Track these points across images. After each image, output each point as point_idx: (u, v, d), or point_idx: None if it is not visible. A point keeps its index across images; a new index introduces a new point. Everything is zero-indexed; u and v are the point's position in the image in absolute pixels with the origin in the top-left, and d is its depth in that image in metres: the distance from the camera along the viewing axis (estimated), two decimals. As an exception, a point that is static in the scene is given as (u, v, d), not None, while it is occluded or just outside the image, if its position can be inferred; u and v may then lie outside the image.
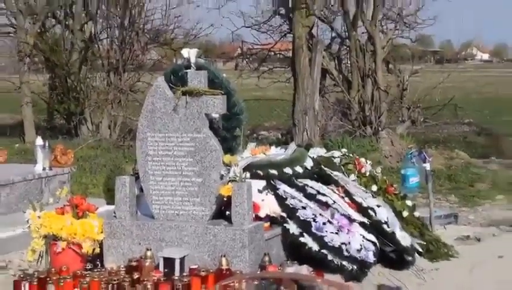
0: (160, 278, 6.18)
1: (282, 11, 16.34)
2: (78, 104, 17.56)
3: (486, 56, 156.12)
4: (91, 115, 17.64)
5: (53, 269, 6.55)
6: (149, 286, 6.09)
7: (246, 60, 19.11)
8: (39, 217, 6.91)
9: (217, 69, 7.42)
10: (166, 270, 6.34)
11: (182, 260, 6.40)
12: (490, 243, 8.40)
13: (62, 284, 6.26)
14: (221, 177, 6.63)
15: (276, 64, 19.12)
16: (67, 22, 18.74)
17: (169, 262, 6.38)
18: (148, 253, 6.45)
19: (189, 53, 6.96)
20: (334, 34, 17.10)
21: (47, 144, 9.61)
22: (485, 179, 12.42)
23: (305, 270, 6.33)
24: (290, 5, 15.31)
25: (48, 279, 6.32)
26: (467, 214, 10.43)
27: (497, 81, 56.09)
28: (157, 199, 6.81)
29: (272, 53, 18.32)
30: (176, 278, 6.19)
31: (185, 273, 6.28)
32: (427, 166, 8.75)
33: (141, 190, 6.98)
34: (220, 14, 19.46)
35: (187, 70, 6.81)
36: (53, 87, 18.49)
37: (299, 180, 7.26)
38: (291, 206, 6.88)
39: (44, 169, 9.41)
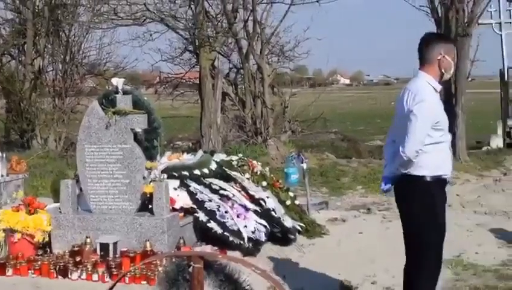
0: (98, 260, 6.17)
1: (191, 48, 16.27)
2: (30, 123, 17.15)
3: (347, 81, 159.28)
4: (40, 131, 17.22)
5: (11, 256, 6.45)
6: (89, 266, 6.05)
7: (163, 86, 19.01)
8: (-1, 214, 6.77)
9: (140, 94, 7.40)
10: (102, 253, 6.33)
11: (115, 244, 6.37)
12: (353, 223, 8.52)
13: (19, 267, 6.21)
14: (144, 178, 6.62)
15: (186, 89, 19.09)
16: (20, 58, 18.31)
17: (104, 247, 6.35)
18: (88, 240, 6.42)
19: (118, 82, 6.89)
20: (231, 65, 17.14)
21: (4, 156, 9.43)
22: (348, 174, 12.62)
23: (208, 249, 6.35)
24: (197, 44, 15.29)
25: (7, 264, 6.25)
26: (335, 201, 10.58)
27: (355, 100, 57.40)
28: (94, 197, 6.74)
29: (183, 80, 18.24)
30: (110, 259, 6.20)
31: (117, 255, 6.28)
32: (304, 166, 8.83)
33: (81, 190, 6.90)
34: (142, 51, 19.62)
35: (116, 95, 6.75)
36: (9, 110, 17.99)
37: (206, 179, 7.25)
38: (200, 199, 6.89)
39: (2, 176, 9.18)
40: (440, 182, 4.77)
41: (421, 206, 4.73)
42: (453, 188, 10.79)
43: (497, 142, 16.95)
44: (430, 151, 4.66)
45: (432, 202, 4.71)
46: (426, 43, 4.86)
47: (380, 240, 7.56)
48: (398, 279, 5.21)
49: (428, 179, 4.69)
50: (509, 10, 19.34)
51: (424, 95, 4.64)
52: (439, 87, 4.77)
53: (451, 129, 12.21)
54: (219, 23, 16.05)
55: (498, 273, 6.47)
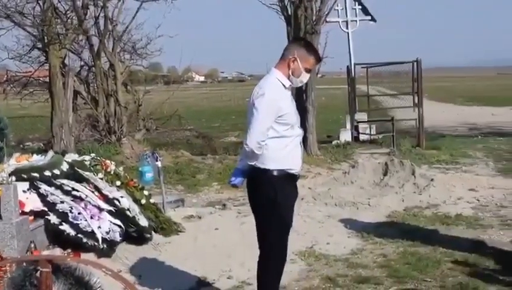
0: None
1: (40, 46, 15.69)
2: None
3: (202, 78, 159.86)
4: None
5: None
6: None
7: (11, 85, 18.22)
8: None
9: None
10: None
11: (-40, 252, 6.02)
12: (208, 219, 8.58)
13: None
14: (-9, 181, 6.31)
15: (36, 88, 18.37)
16: None
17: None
18: None
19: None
20: (82, 63, 16.70)
21: None
22: (203, 171, 12.67)
23: (58, 252, 6.18)
24: (46, 41, 14.77)
25: None
26: (191, 199, 10.60)
27: (210, 97, 57.76)
28: None
29: (33, 79, 17.57)
30: (-44, 266, 5.85)
31: (-36, 262, 5.94)
32: (159, 164, 8.79)
33: None
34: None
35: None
36: None
37: (57, 180, 7.03)
38: (51, 201, 6.66)
39: None
40: (288, 177, 4.91)
41: (266, 199, 4.87)
42: (305, 181, 11.17)
43: (346, 136, 17.65)
44: (275, 145, 4.79)
45: (275, 196, 4.83)
46: (288, 43, 5.03)
47: (235, 235, 7.68)
48: (253, 272, 5.33)
49: (274, 173, 4.82)
50: (355, 9, 20.20)
51: (266, 89, 4.76)
52: (288, 83, 4.90)
53: (302, 124, 12.58)
54: (69, 20, 15.58)
55: (348, 262, 6.77)
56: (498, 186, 10.57)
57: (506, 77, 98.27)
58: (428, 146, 15.87)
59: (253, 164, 4.85)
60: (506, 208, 9.10)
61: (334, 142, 17.00)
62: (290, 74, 4.88)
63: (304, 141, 13.57)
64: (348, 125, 18.43)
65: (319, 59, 5.16)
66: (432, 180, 10.31)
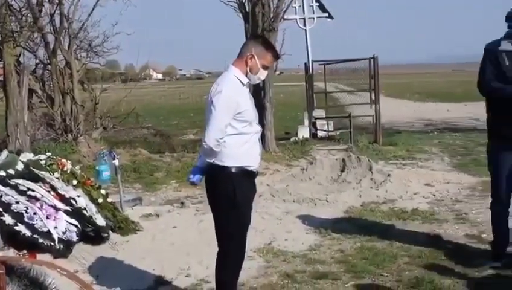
0: None
1: (-7, 44, 15.45)
2: None
3: (160, 75, 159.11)
4: None
5: None
6: None
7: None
8: None
9: None
10: None
11: None
12: (167, 217, 8.57)
13: None
14: None
15: (-10, 87, 18.08)
16: None
17: None
18: None
19: None
20: (38, 61, 16.46)
21: None
22: (161, 169, 12.63)
23: (11, 253, 6.08)
24: (0, 39, 14.53)
25: None
26: (149, 197, 10.54)
27: (168, 94, 57.46)
28: None
29: (-15, 78, 17.29)
30: None
31: None
32: (116, 162, 8.72)
33: None
34: None
35: None
36: None
37: (12, 180, 6.90)
38: (6, 202, 6.50)
39: None
40: (246, 174, 4.93)
41: (224, 197, 4.89)
42: (264, 178, 11.21)
43: (304, 132, 17.74)
44: (234, 142, 4.81)
45: (234, 193, 4.85)
46: (246, 40, 5.05)
47: (193, 233, 7.68)
48: (211, 270, 5.33)
49: (233, 169, 4.83)
50: (312, 6, 20.30)
51: (224, 86, 4.78)
52: (246, 80, 4.92)
53: (260, 121, 12.53)
54: (23, 17, 15.35)
55: (306, 258, 6.82)
56: (453, 181, 10.75)
57: (461, 73, 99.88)
58: (385, 142, 16.04)
59: (211, 161, 4.86)
60: (461, 203, 9.26)
61: (292, 139, 17.07)
62: (248, 71, 4.90)
63: (262, 138, 13.53)
64: (306, 122, 18.53)
65: (276, 56, 5.18)
66: (388, 175, 10.44)
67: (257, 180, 5.16)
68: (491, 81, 6.05)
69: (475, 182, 10.61)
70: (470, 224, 8.04)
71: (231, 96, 4.77)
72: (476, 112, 20.30)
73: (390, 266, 6.44)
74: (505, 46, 6.05)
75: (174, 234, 7.74)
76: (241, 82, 4.89)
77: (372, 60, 16.95)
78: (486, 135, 6.44)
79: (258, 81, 5.13)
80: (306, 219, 8.44)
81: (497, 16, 6.26)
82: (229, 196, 4.85)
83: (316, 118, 18.29)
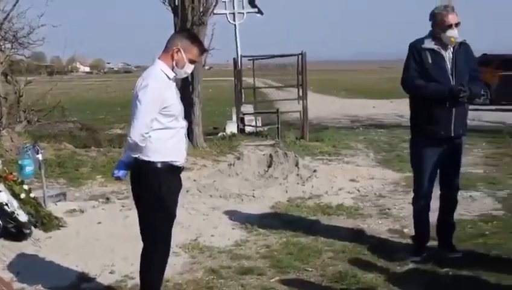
0: None
1: None
2: None
3: (87, 68, 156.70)
4: None
5: None
6: None
7: None
8: None
9: None
10: None
11: None
12: (91, 213, 8.44)
13: None
14: None
15: None
16: None
17: None
18: None
19: None
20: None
21: None
22: (87, 164, 12.40)
23: None
24: None
25: None
26: (74, 192, 10.34)
27: (96, 88, 56.65)
28: None
29: None
30: None
31: None
32: (40, 157, 8.53)
33: None
34: None
35: None
36: None
37: None
38: None
39: None
40: (172, 169, 4.90)
41: (149, 192, 4.85)
42: (191, 173, 11.16)
43: (232, 128, 17.76)
44: (160, 137, 4.78)
45: (159, 188, 4.82)
46: (172, 34, 5.01)
47: (119, 228, 7.58)
48: (136, 266, 5.28)
49: (158, 165, 4.80)
50: (242, 1, 20.34)
51: (150, 80, 4.74)
52: (172, 74, 4.88)
53: (188, 116, 12.47)
54: None
55: (232, 254, 6.82)
56: (377, 176, 10.95)
57: (388, 70, 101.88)
58: (312, 138, 16.21)
59: (136, 156, 4.81)
60: (385, 198, 9.44)
61: (220, 134, 17.07)
62: (174, 65, 4.87)
63: (190, 133, 13.57)
64: (234, 118, 18.55)
65: (203, 50, 5.17)
66: (314, 171, 10.55)
67: (184, 175, 5.14)
68: (414, 78, 6.19)
69: (398, 177, 10.83)
70: (393, 219, 8.20)
71: (157, 90, 4.72)
72: (400, 108, 20.74)
73: (314, 261, 6.50)
74: (429, 44, 6.20)
75: (99, 229, 7.63)
76: (168, 76, 4.86)
77: (300, 56, 17.08)
78: (410, 131, 6.60)
79: (184, 76, 5.10)
80: (232, 215, 8.45)
81: (422, 15, 6.41)
82: (154, 191, 4.82)
83: (244, 114, 18.33)
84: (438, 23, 6.16)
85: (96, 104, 34.50)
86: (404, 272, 6.20)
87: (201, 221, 8.13)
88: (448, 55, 6.18)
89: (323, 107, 26.46)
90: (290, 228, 7.69)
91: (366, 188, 10.08)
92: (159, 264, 5.08)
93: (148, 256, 5.02)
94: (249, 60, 19.64)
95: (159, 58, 4.92)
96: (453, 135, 6.21)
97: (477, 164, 12.17)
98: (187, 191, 9.33)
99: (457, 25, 6.12)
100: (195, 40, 5.04)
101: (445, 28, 6.11)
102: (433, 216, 6.67)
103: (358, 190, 9.95)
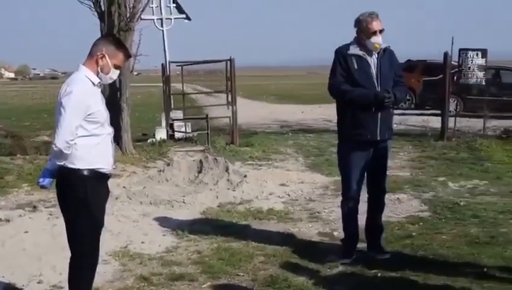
0: None
1: None
2: None
3: (12, 74, 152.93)
4: None
5: None
6: None
7: None
8: None
9: None
10: None
11: None
12: (18, 222, 8.25)
13: None
14: None
15: None
16: None
17: None
18: None
19: None
20: None
21: None
22: (12, 172, 12.08)
23: None
24: None
25: None
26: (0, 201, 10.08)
27: (21, 94, 55.36)
28: None
29: None
30: None
31: None
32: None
33: None
34: None
35: None
36: None
37: None
38: None
39: None
40: (98, 176, 4.84)
41: (76, 200, 4.79)
42: (120, 180, 11.03)
43: (161, 134, 17.63)
44: (85, 144, 4.71)
45: (86, 196, 4.76)
46: (96, 40, 4.94)
47: (46, 237, 7.44)
48: (65, 275, 5.20)
49: (84, 172, 4.74)
50: (170, 7, 20.22)
51: (74, 86, 4.68)
52: (97, 80, 4.83)
53: (117, 122, 12.33)
54: None
55: (163, 260, 6.79)
56: (307, 180, 11.07)
57: (316, 76, 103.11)
58: (242, 143, 16.25)
59: (62, 163, 4.73)
60: (314, 202, 9.56)
61: (149, 141, 16.91)
62: (99, 70, 4.82)
63: (119, 139, 13.41)
64: (164, 124, 18.42)
65: (128, 55, 5.12)
66: (245, 176, 10.59)
67: (113, 182, 5.10)
68: (340, 84, 6.31)
69: (328, 181, 10.97)
70: (323, 222, 8.31)
71: (82, 97, 4.66)
72: (328, 113, 20.98)
73: (246, 266, 6.53)
74: (354, 50, 6.33)
75: (26, 239, 7.46)
76: (92, 82, 4.80)
77: (228, 61, 17.11)
78: (337, 135, 6.71)
79: (109, 81, 5.05)
80: (163, 221, 8.39)
81: (348, 21, 6.52)
82: (81, 199, 4.75)
83: (174, 120, 18.23)
84: (363, 30, 6.29)
85: (22, 110, 33.69)
86: (334, 274, 6.30)
87: (131, 228, 8.05)
88: (373, 61, 6.32)
89: (252, 112, 26.55)
90: (221, 233, 7.69)
91: (296, 192, 10.18)
92: (88, 273, 5.02)
93: (77, 265, 4.95)
94: (177, 65, 19.53)
95: (83, 64, 4.86)
96: (379, 138, 6.36)
97: (403, 167, 12.46)
98: (116, 198, 9.21)
99: (381, 31, 6.28)
100: (120, 45, 4.99)
101: (369, 35, 6.25)
102: (362, 219, 6.80)
103: (289, 194, 10.03)
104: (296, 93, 48.84)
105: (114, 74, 4.92)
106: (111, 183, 5.05)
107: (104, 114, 4.85)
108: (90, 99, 4.73)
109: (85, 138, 4.71)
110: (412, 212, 8.74)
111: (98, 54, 4.80)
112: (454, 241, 7.20)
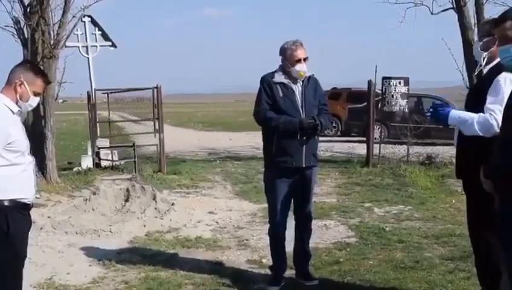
0: None
1: None
2: None
3: None
4: None
5: None
6: None
7: None
8: None
9: None
10: None
11: None
12: None
13: None
14: None
15: None
16: None
17: None
18: None
19: None
20: None
21: None
22: None
23: None
24: None
25: None
26: None
27: None
28: None
29: None
30: None
31: None
32: None
33: None
34: None
35: None
36: None
37: None
38: None
39: None
40: (20, 206, 4.74)
41: None
42: (45, 210, 10.78)
43: (87, 162, 17.37)
44: (5, 174, 4.61)
45: (7, 227, 4.65)
46: (14, 67, 4.86)
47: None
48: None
49: (5, 203, 4.64)
50: (95, 34, 20.08)
51: None
52: (16, 108, 4.75)
53: (41, 151, 12.06)
54: None
55: (89, 292, 6.67)
56: (235, 208, 11.11)
57: (243, 103, 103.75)
58: (169, 171, 16.16)
59: (-19, 195, 4.61)
60: (243, 229, 9.59)
61: (75, 169, 16.63)
62: (18, 98, 4.75)
63: (43, 168, 13.16)
64: (90, 152, 18.17)
65: (47, 82, 5.07)
66: (172, 204, 10.55)
67: (38, 212, 5.02)
68: (266, 111, 6.39)
69: (256, 208, 11.04)
70: (251, 250, 8.34)
71: (1, 126, 4.58)
72: (256, 140, 21.09)
73: (174, 295, 6.49)
74: (279, 78, 6.44)
75: None
76: (12, 110, 4.72)
77: (155, 89, 17.05)
78: (263, 163, 6.77)
79: (29, 109, 4.98)
80: (89, 251, 8.26)
81: (274, 50, 6.64)
82: (2, 231, 4.64)
83: (100, 148, 17.99)
84: (287, 58, 6.41)
85: None
86: (263, 301, 6.31)
87: (56, 259, 7.89)
88: (297, 88, 6.44)
89: (180, 140, 26.49)
90: (149, 262, 7.63)
91: (225, 219, 10.20)
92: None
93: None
94: (103, 93, 19.35)
95: (1, 91, 4.77)
96: (304, 165, 6.45)
97: (330, 194, 12.65)
98: (41, 229, 9.01)
99: (305, 59, 6.40)
100: (39, 71, 4.94)
101: (294, 63, 6.37)
102: (290, 245, 6.86)
103: (217, 222, 10.04)
104: (224, 120, 49.02)
105: (33, 101, 4.86)
106: (35, 213, 4.97)
107: (24, 143, 4.77)
108: (10, 128, 4.64)
109: (5, 168, 4.60)
110: (339, 238, 8.87)
111: (17, 81, 4.73)
112: (380, 266, 7.34)
